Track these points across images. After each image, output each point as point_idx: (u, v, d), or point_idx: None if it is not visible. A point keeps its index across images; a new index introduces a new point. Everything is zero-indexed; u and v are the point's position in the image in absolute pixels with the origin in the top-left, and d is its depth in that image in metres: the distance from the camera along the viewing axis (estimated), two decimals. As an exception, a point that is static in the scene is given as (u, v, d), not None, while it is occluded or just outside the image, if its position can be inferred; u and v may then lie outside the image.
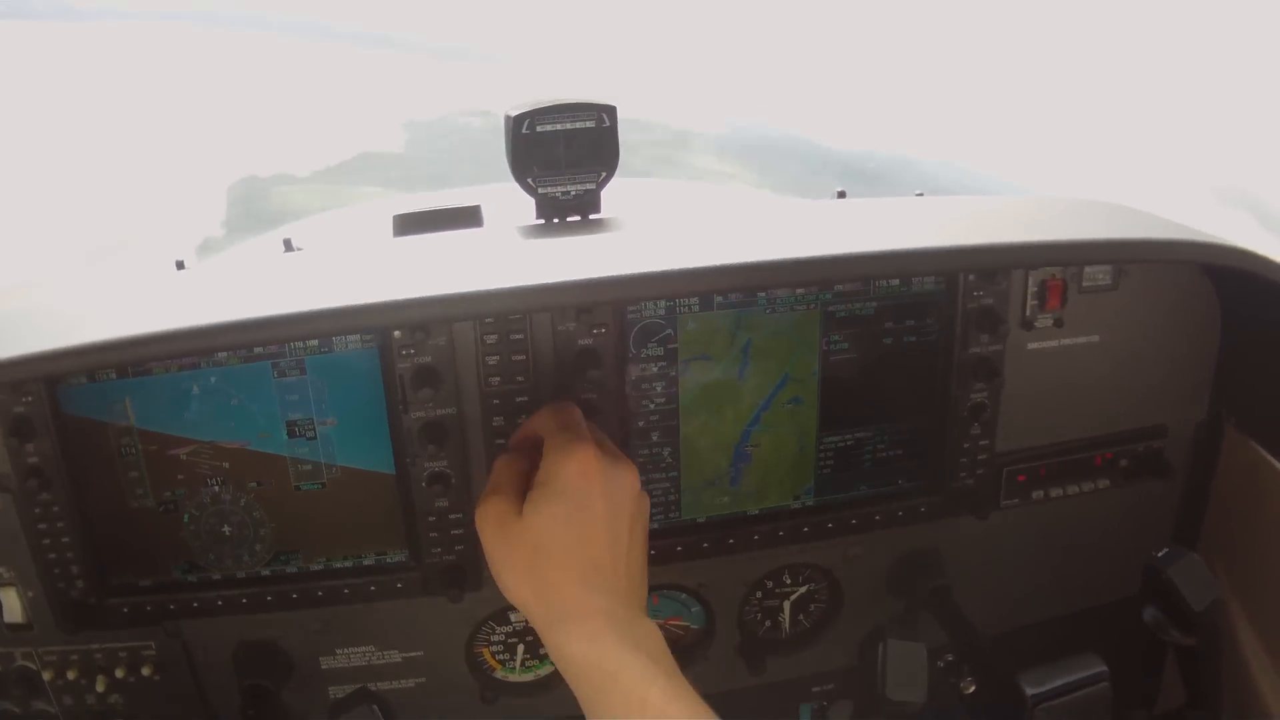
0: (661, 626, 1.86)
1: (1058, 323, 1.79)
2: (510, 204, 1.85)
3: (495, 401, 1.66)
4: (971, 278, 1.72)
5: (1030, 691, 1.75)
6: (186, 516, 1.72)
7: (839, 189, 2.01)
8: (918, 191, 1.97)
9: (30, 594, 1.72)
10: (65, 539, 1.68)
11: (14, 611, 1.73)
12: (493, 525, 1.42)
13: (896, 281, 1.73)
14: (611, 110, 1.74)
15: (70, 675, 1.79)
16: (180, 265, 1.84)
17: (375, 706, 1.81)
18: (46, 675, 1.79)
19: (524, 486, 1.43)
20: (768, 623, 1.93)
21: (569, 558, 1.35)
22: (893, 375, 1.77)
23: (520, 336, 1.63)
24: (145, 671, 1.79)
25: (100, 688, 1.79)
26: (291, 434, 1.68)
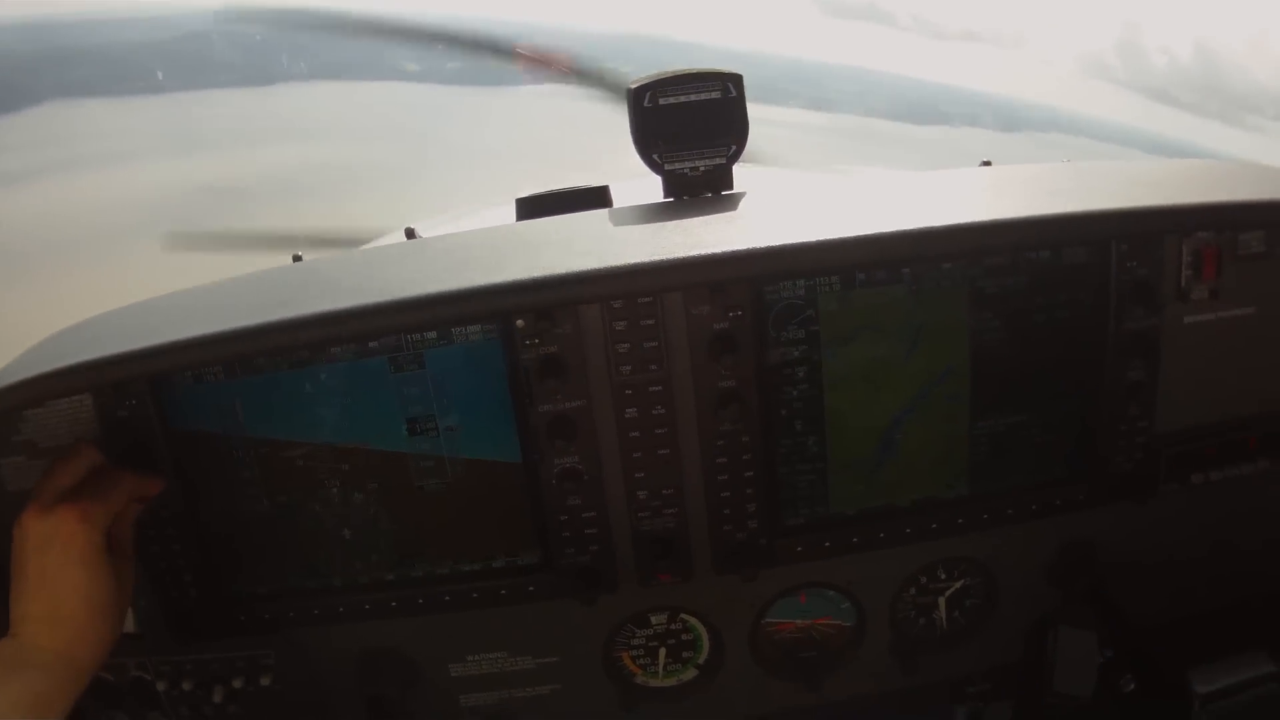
0: (811, 626, 1.81)
1: (1214, 294, 1.67)
2: (645, 187, 1.75)
3: (628, 392, 1.57)
4: (1124, 247, 1.60)
5: (1201, 690, 1.67)
6: (304, 521, 1.64)
7: (984, 159, 1.89)
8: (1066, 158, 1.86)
9: (142, 603, 1.66)
10: (176, 546, 1.62)
11: (127, 622, 1.67)
12: None
13: (1046, 253, 1.62)
14: (738, 79, 1.64)
15: (185, 686, 1.73)
16: (297, 258, 1.76)
17: None
18: (160, 686, 1.73)
19: None
20: (922, 620, 1.83)
21: None
22: (1046, 355, 1.66)
23: (651, 322, 1.53)
24: (265, 681, 1.73)
25: (217, 698, 1.73)
26: (413, 432, 1.59)
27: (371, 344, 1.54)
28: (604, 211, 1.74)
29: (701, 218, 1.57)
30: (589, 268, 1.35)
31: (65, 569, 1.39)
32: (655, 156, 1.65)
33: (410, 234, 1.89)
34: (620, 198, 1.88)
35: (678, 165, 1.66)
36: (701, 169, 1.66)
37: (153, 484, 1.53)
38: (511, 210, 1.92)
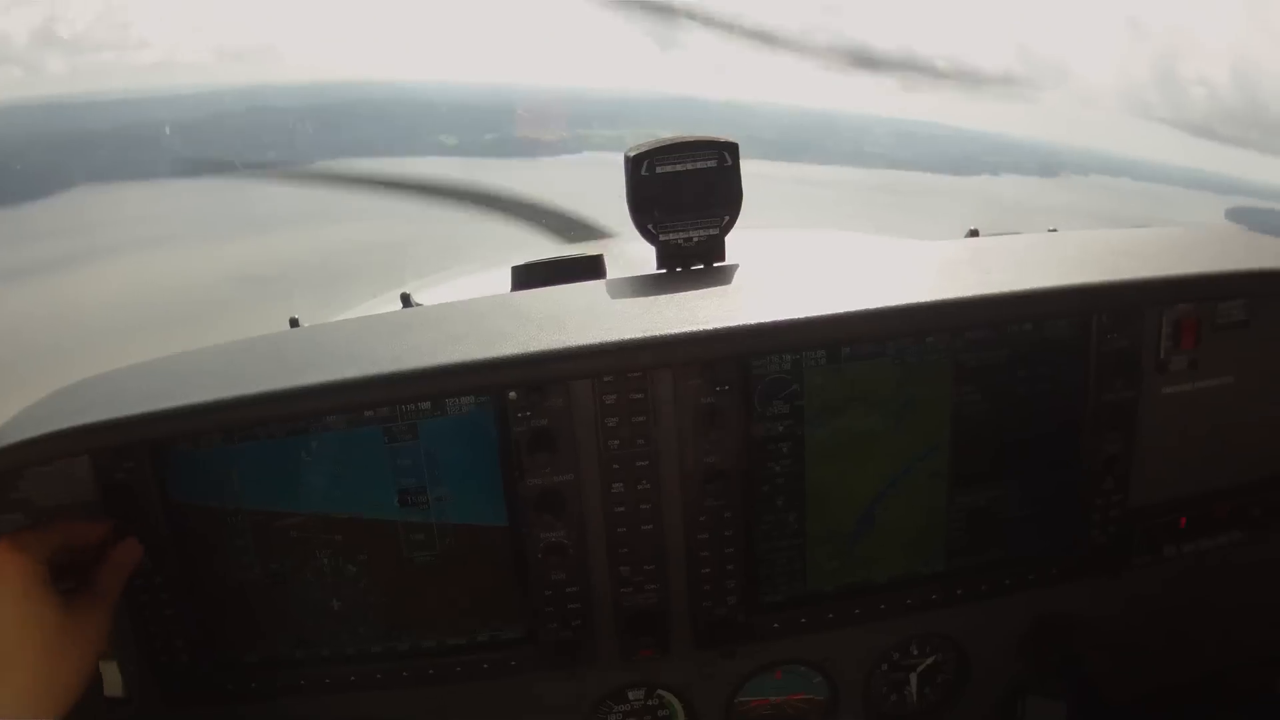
0: (784, 702, 1.82)
1: (1192, 364, 1.66)
2: (639, 251, 1.75)
3: (615, 466, 1.56)
4: (1105, 319, 1.60)
5: None
6: (295, 590, 1.63)
7: (971, 228, 1.89)
8: (1050, 227, 1.86)
9: (131, 667, 1.64)
10: (168, 611, 1.61)
11: (114, 685, 1.66)
12: None
13: (1029, 326, 1.61)
14: (733, 148, 1.63)
15: None
16: (294, 323, 1.78)
17: None
18: None
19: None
20: (893, 696, 1.83)
21: None
22: (1024, 427, 1.67)
23: (640, 396, 1.53)
24: None
25: None
26: (404, 504, 1.58)
27: (367, 413, 1.55)
28: (599, 283, 1.74)
29: (692, 292, 1.57)
30: (582, 343, 1.37)
31: (2, 604, 1.34)
32: (650, 226, 1.64)
33: (405, 300, 1.91)
34: (614, 262, 1.88)
35: (672, 235, 1.66)
36: (695, 239, 1.66)
37: (99, 529, 1.50)
38: (503, 273, 1.93)
